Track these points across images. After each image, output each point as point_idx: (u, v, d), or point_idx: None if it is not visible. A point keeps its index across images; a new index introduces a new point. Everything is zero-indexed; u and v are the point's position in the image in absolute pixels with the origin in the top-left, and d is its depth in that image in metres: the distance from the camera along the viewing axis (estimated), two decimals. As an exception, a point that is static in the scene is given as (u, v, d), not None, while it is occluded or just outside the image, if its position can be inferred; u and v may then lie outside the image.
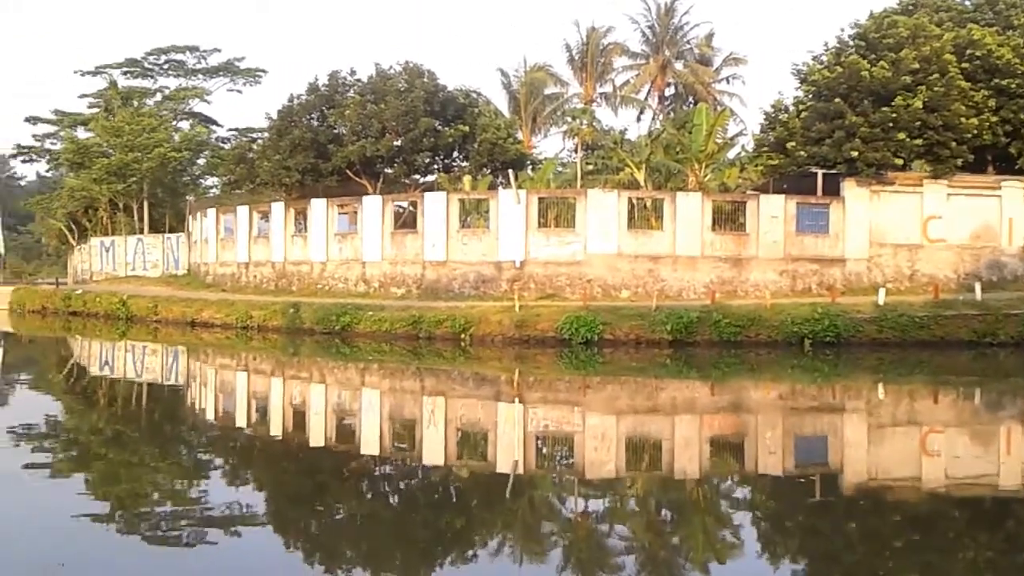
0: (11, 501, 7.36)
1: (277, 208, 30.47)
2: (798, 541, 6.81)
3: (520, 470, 9.02)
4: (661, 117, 47.02)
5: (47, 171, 63.17)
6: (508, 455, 9.79)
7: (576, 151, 41.19)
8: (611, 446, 10.50)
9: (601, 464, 9.59)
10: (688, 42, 50.96)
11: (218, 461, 9.65)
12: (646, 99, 50.57)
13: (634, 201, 25.26)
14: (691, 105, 44.56)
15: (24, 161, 60.52)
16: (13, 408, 13.19)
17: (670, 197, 24.83)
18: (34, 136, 54.26)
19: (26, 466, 8.55)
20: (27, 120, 53.59)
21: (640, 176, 28.60)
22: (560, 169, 40.01)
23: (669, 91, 51.15)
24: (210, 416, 12.78)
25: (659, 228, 24.42)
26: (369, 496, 8.25)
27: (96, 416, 12.53)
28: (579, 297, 22.83)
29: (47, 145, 54.06)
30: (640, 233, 24.45)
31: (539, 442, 10.72)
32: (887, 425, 12.00)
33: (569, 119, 47.44)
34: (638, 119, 49.74)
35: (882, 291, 21.62)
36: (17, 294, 36.91)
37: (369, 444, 10.53)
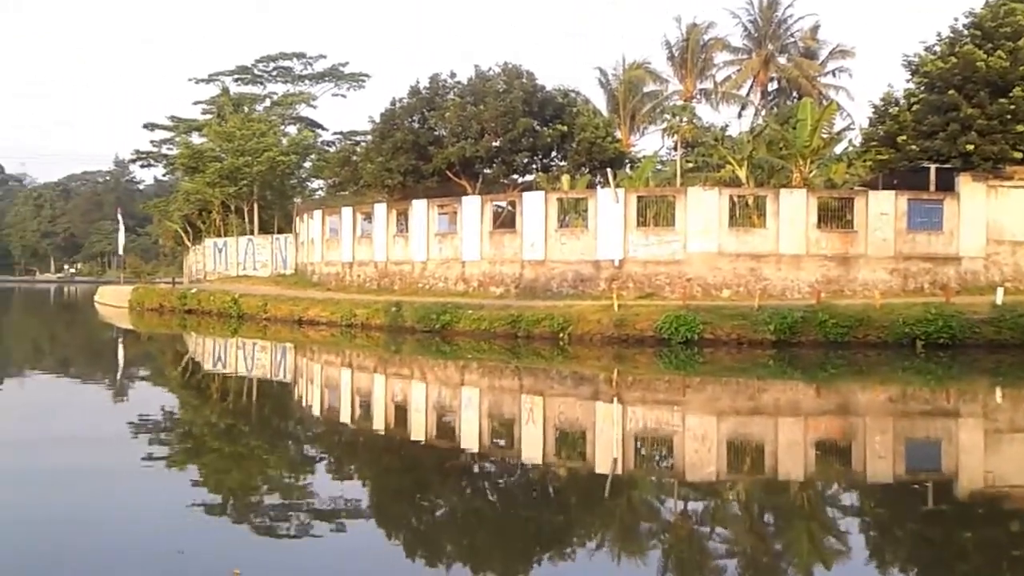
0: (131, 491, 7.74)
1: (380, 209, 31.12)
2: (908, 550, 6.55)
3: (619, 470, 8.99)
4: (763, 113, 45.91)
5: (164, 175, 66.19)
6: (607, 455, 9.77)
7: (675, 149, 40.67)
8: (712, 448, 10.34)
9: (702, 466, 9.46)
10: (792, 35, 49.59)
11: (323, 455, 9.93)
12: (748, 95, 49.46)
13: (735, 199, 24.78)
14: (795, 100, 43.33)
15: (142, 166, 63.56)
16: (132, 402, 13.88)
17: (773, 194, 24.25)
18: (151, 142, 57.07)
19: (144, 458, 8.99)
20: (145, 127, 56.36)
21: (742, 173, 28.03)
22: (659, 167, 39.60)
23: (772, 86, 49.88)
24: (316, 411, 13.17)
25: (762, 226, 23.88)
26: (469, 492, 8.36)
27: (209, 410, 13.07)
28: (678, 296, 22.54)
29: (164, 150, 56.73)
30: (742, 231, 23.97)
31: (638, 442, 10.64)
32: (1006, 430, 11.45)
33: (668, 116, 46.85)
34: (739, 115, 48.60)
35: (1000, 290, 20.58)
36: (136, 293, 38.74)
37: (469, 441, 10.67)
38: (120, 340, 27.04)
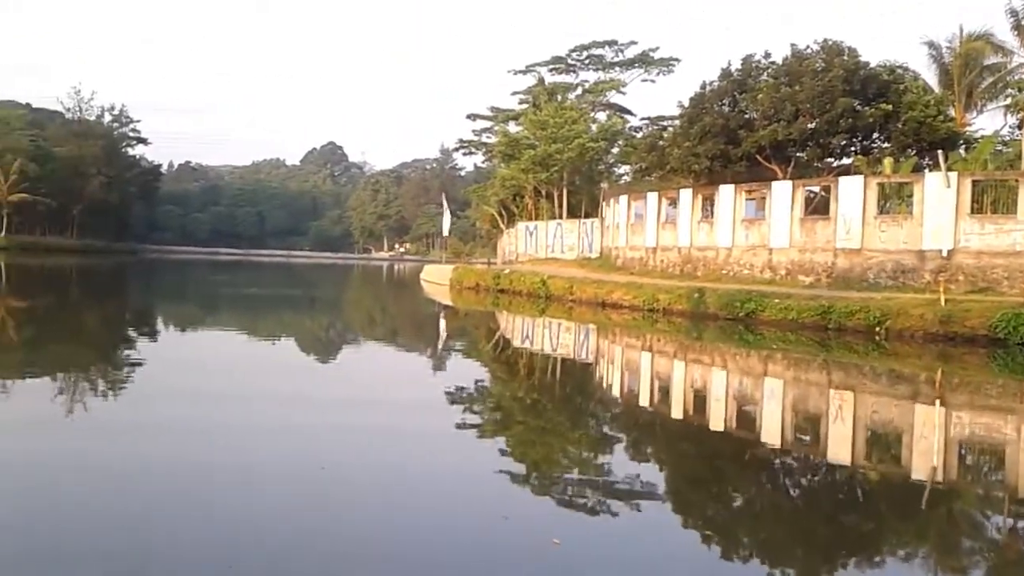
0: (447, 454, 8.39)
1: (685, 194, 30.87)
2: None
3: (939, 479, 8.23)
4: None
5: (482, 162, 70.48)
6: (925, 461, 8.98)
7: (1020, 127, 36.06)
8: (1055, 464, 9.13)
9: (1041, 483, 8.39)
10: None
11: (622, 435, 10.09)
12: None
13: (1098, 182, 21.56)
14: None
15: (464, 154, 68.06)
16: (449, 373, 15.01)
17: None
18: (473, 131, 60.97)
19: (458, 425, 9.71)
20: (468, 117, 60.32)
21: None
22: (1000, 148, 35.34)
23: None
24: (616, 392, 13.42)
25: None
26: (768, 486, 8.09)
27: (516, 385, 13.79)
28: (1018, 292, 20.09)
29: (483, 139, 60.36)
30: (1105, 220, 20.83)
31: (963, 450, 9.66)
32: None
33: (1013, 92, 41.58)
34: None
35: None
36: (456, 272, 41.73)
37: (770, 434, 10.32)
38: (441, 315, 29.32)
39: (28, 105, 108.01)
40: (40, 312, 24.28)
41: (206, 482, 6.84)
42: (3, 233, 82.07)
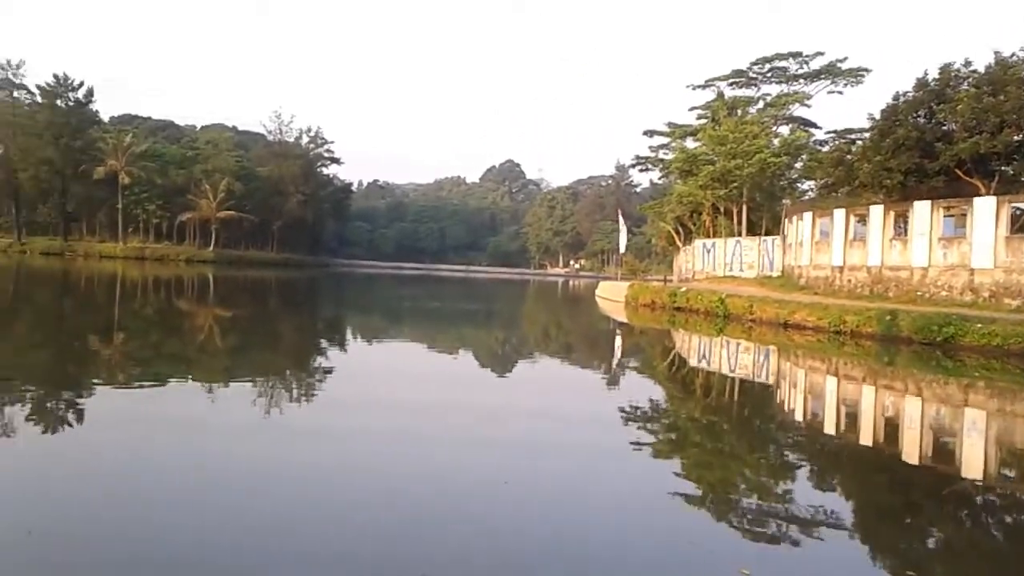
0: (620, 472, 8.38)
1: (875, 211, 29.37)
2: None
3: None
4: None
5: (659, 179, 69.85)
6: None
7: None
8: None
9: None
10: None
11: (804, 462, 9.70)
12: None
13: None
14: None
15: (641, 170, 67.82)
16: (623, 390, 14.95)
17: None
18: (650, 147, 60.53)
19: (632, 442, 9.66)
20: (644, 133, 59.99)
21: None
22: None
23: None
24: (798, 417, 12.91)
25: None
26: (968, 523, 7.54)
27: (692, 404, 13.54)
28: None
29: (660, 155, 59.83)
30: None
31: None
32: None
33: None
34: None
35: None
36: (631, 289, 41.51)
37: (971, 468, 9.60)
38: (615, 332, 29.25)
39: (234, 128, 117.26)
40: (243, 321, 26.23)
41: (393, 491, 7.16)
42: (212, 247, 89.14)
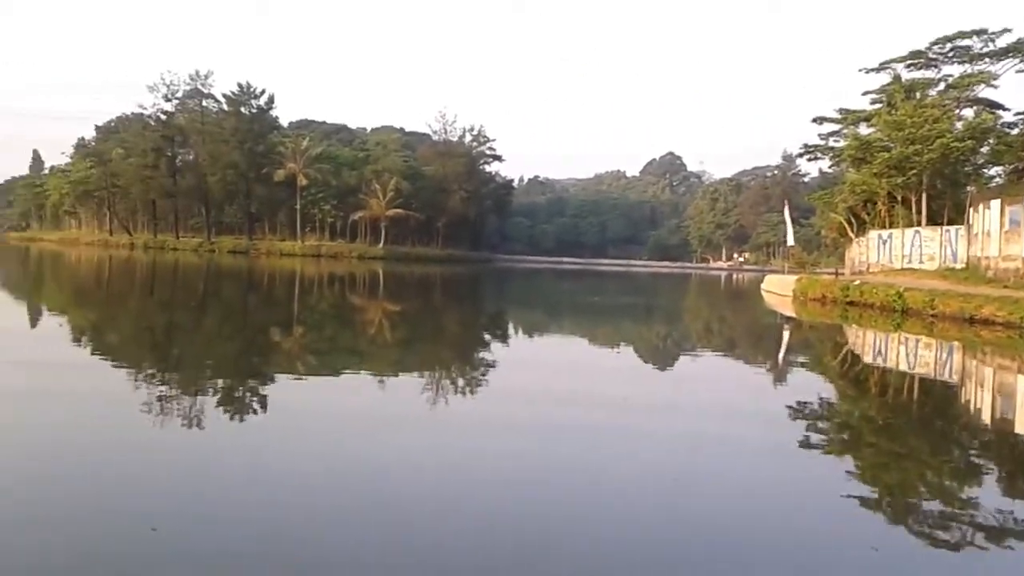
0: (791, 473, 8.15)
1: (1075, 196, 26.98)
2: None
3: None
4: None
5: (828, 167, 66.75)
6: None
7: None
8: None
9: None
10: None
11: (992, 466, 9.08)
12: None
13: None
14: None
15: (809, 159, 65.17)
16: (791, 385, 14.45)
17: None
18: (819, 135, 57.94)
19: (801, 441, 9.34)
20: (813, 120, 57.48)
21: None
22: None
23: None
24: (985, 418, 12.08)
25: None
26: None
27: (867, 403, 12.93)
28: None
29: (830, 143, 57.19)
30: None
31: None
32: None
33: None
34: None
35: None
36: (800, 283, 39.99)
37: None
38: (783, 327, 28.30)
39: (402, 129, 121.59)
40: (411, 315, 27.22)
41: (556, 484, 7.27)
42: (381, 244, 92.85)
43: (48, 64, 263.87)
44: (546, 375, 14.15)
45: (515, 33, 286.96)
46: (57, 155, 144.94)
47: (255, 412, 9.69)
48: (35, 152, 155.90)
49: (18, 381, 10.92)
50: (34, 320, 20.38)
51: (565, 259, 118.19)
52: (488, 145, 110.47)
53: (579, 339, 21.82)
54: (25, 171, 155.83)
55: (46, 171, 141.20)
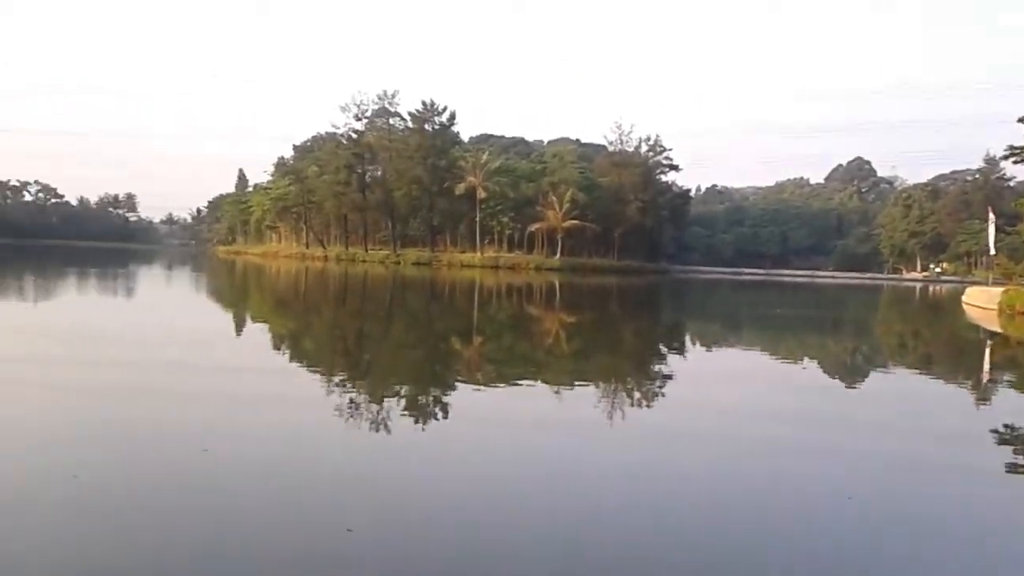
0: (987, 503, 7.62)
1: None
2: None
3: None
4: None
5: (1040, 170, 61.41)
6: None
7: None
8: None
9: None
10: None
11: None
12: None
13: None
14: None
15: (1015, 162, 60.36)
16: (995, 407, 13.39)
17: None
18: (1027, 136, 53.43)
19: (1008, 466, 8.70)
20: (1020, 120, 53.23)
21: None
22: None
23: None
24: None
25: None
26: None
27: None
28: None
29: (1042, 144, 52.66)
30: None
31: None
32: None
33: None
34: None
35: None
36: (1007, 295, 37.04)
37: None
38: (986, 342, 26.30)
39: (577, 141, 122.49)
40: (587, 326, 27.37)
41: (726, 501, 7.15)
42: (558, 255, 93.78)
43: (251, 89, 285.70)
44: (720, 389, 13.86)
45: (692, 45, 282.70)
46: (260, 174, 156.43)
47: (437, 419, 10.07)
48: (240, 171, 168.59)
49: (230, 386, 11.90)
50: (239, 328, 22.07)
51: (744, 270, 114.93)
52: (664, 155, 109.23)
53: (761, 353, 21.18)
54: (231, 189, 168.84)
55: (250, 188, 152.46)
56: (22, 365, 12.64)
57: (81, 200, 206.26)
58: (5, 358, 13.29)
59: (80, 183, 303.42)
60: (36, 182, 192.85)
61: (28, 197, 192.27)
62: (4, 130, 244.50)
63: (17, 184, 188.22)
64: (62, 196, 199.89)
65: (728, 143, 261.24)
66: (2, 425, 8.51)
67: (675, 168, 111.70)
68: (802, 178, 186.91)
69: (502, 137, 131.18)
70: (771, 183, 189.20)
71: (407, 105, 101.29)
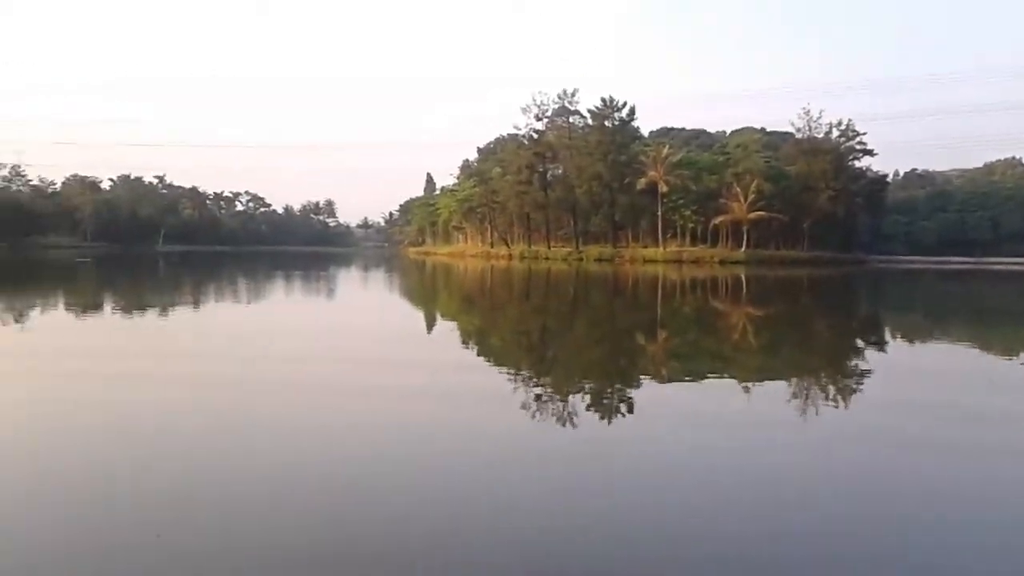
0: None
1: None
2: None
3: None
4: None
5: None
6: None
7: None
8: None
9: None
10: None
11: None
12: None
13: None
14: None
15: None
16: None
17: None
18: None
19: None
20: None
21: None
22: None
23: None
24: None
25: None
26: None
27: None
28: None
29: None
30: None
31: None
32: None
33: None
34: None
35: None
36: None
37: None
38: None
39: (763, 129, 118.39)
40: (775, 320, 26.57)
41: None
42: (743, 248, 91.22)
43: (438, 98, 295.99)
44: (920, 387, 13.15)
45: (887, 23, 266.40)
46: (446, 177, 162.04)
47: (623, 415, 10.21)
48: (428, 175, 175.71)
49: (417, 381, 12.57)
50: (430, 326, 23.11)
51: (951, 258, 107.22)
52: (857, 140, 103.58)
53: (972, 348, 19.81)
54: (420, 192, 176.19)
55: (437, 191, 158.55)
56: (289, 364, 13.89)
57: (286, 208, 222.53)
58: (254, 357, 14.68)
59: (286, 192, 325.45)
60: (246, 192, 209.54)
61: (239, 207, 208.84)
62: (217, 146, 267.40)
63: (230, 195, 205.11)
64: (269, 205, 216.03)
65: (927, 125, 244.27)
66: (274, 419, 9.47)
67: (870, 153, 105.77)
68: (1014, 157, 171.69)
69: (683, 130, 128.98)
70: (979, 164, 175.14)
71: (586, 103, 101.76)
